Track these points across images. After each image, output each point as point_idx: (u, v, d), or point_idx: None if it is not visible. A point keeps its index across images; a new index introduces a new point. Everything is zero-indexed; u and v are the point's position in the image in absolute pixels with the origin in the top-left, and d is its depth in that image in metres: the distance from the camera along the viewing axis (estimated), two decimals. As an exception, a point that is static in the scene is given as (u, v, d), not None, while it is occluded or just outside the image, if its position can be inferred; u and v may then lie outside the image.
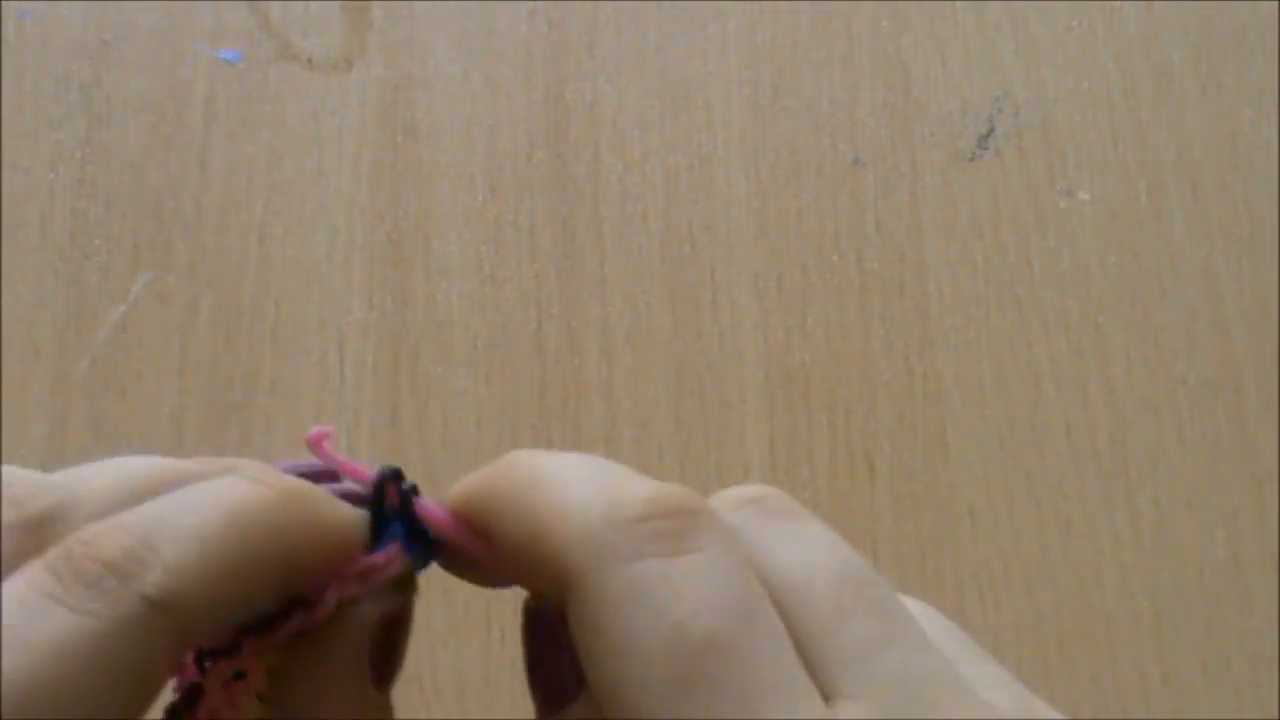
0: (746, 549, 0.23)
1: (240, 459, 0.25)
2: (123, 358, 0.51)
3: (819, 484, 0.50)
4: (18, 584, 0.20)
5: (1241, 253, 0.55)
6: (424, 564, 0.26)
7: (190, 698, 0.24)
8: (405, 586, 0.26)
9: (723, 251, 0.54)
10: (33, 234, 0.53)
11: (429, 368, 0.51)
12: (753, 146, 0.55)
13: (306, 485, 0.24)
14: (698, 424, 0.51)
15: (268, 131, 0.55)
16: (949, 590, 0.49)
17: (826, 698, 0.21)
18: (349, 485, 0.25)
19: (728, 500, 0.24)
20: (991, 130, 0.56)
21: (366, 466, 0.26)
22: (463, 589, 0.26)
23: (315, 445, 0.25)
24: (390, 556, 0.25)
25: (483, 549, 0.25)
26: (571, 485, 0.23)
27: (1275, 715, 0.47)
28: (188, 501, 0.22)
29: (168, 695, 0.23)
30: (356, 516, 0.25)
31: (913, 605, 0.23)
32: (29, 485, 0.22)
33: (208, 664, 0.24)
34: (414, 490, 0.25)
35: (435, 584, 0.26)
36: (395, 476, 0.25)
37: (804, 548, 0.23)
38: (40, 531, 0.22)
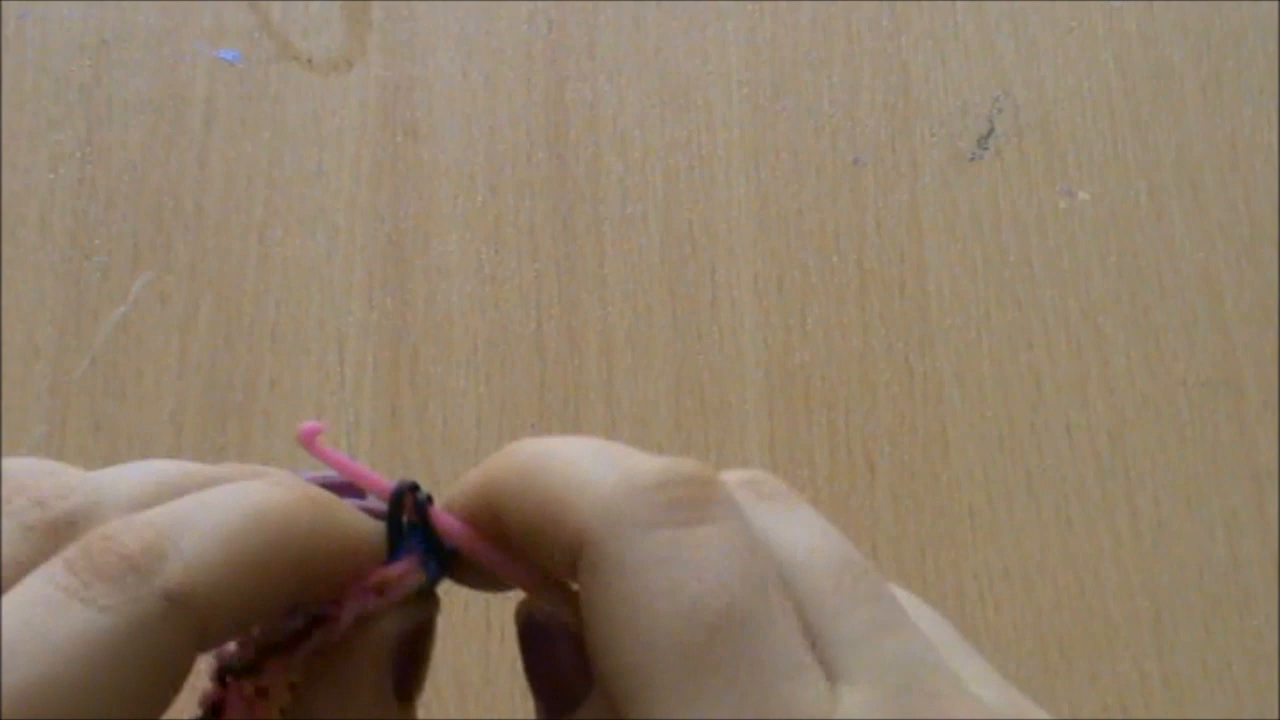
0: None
1: (267, 467, 0.25)
2: (123, 358, 0.51)
3: (819, 484, 0.50)
4: (38, 581, 0.20)
5: (1241, 253, 0.55)
6: (440, 577, 0.26)
7: (213, 715, 0.24)
8: (425, 600, 0.26)
9: (723, 251, 0.54)
10: (33, 234, 0.53)
11: (429, 368, 0.51)
12: (753, 146, 0.55)
13: (328, 494, 0.24)
14: (698, 424, 0.51)
15: (268, 131, 0.55)
16: (949, 590, 0.49)
17: (827, 678, 0.21)
18: (371, 501, 0.25)
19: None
20: (991, 130, 0.56)
21: (365, 465, 0.26)
22: (463, 589, 0.26)
23: (308, 441, 0.25)
24: (408, 568, 0.25)
25: (496, 557, 0.25)
26: (581, 459, 0.23)
27: (1275, 715, 0.47)
28: (211, 500, 0.22)
29: (191, 708, 0.23)
30: (374, 527, 0.25)
31: (901, 596, 0.24)
32: (57, 486, 0.22)
33: (230, 681, 0.24)
34: (429, 501, 0.25)
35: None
36: (412, 488, 0.25)
37: (802, 530, 0.23)
38: (68, 531, 0.22)
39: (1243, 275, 0.54)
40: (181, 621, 0.21)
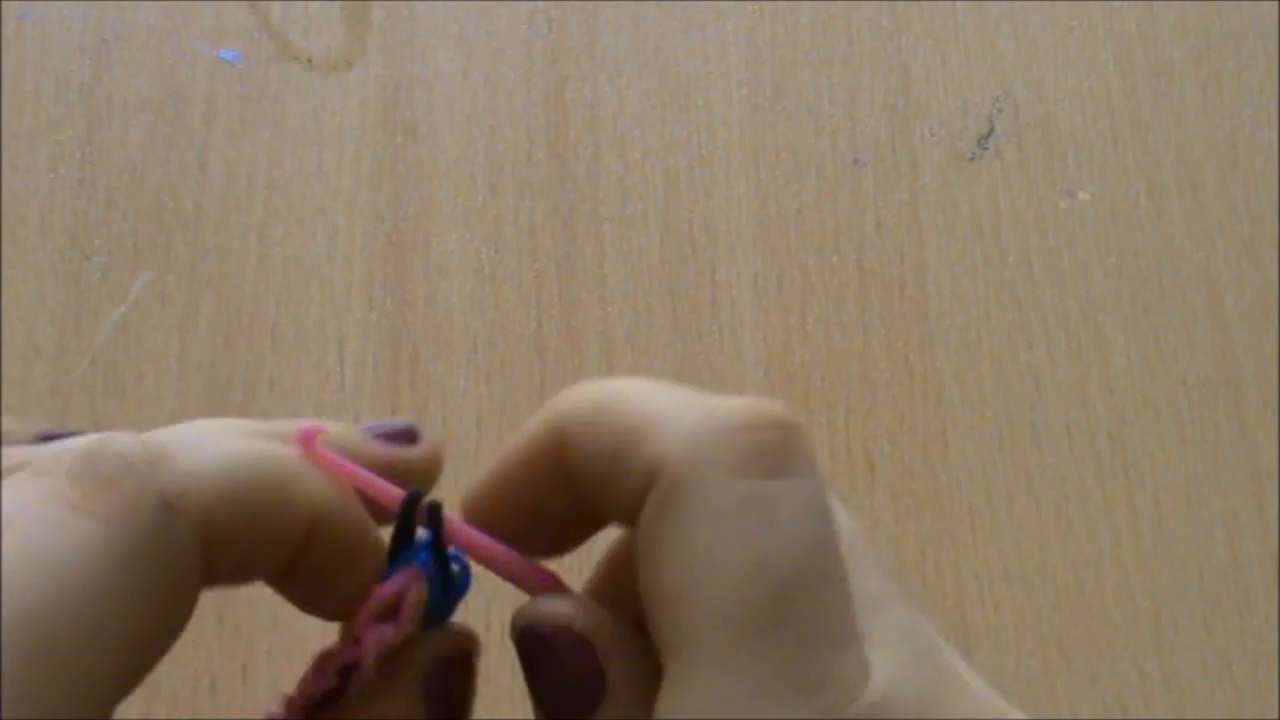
0: None
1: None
2: (123, 358, 0.51)
3: (819, 484, 0.50)
4: (45, 497, 0.20)
5: (1241, 253, 0.55)
6: (460, 591, 0.25)
7: None
8: (454, 633, 0.25)
9: (723, 251, 0.54)
10: (33, 234, 0.53)
11: (429, 368, 0.51)
12: (753, 146, 0.55)
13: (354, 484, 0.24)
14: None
15: (268, 131, 0.55)
16: (949, 590, 0.49)
17: None
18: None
19: None
20: (991, 130, 0.56)
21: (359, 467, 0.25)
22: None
23: (307, 443, 0.24)
24: (409, 579, 0.24)
25: (509, 561, 0.24)
26: (659, 393, 0.22)
27: (1275, 715, 0.47)
28: (219, 426, 0.22)
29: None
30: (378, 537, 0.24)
31: None
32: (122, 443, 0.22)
33: None
34: (440, 508, 0.24)
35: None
36: (430, 506, 0.24)
37: None
38: None
39: (1243, 275, 0.54)
40: (180, 527, 0.21)
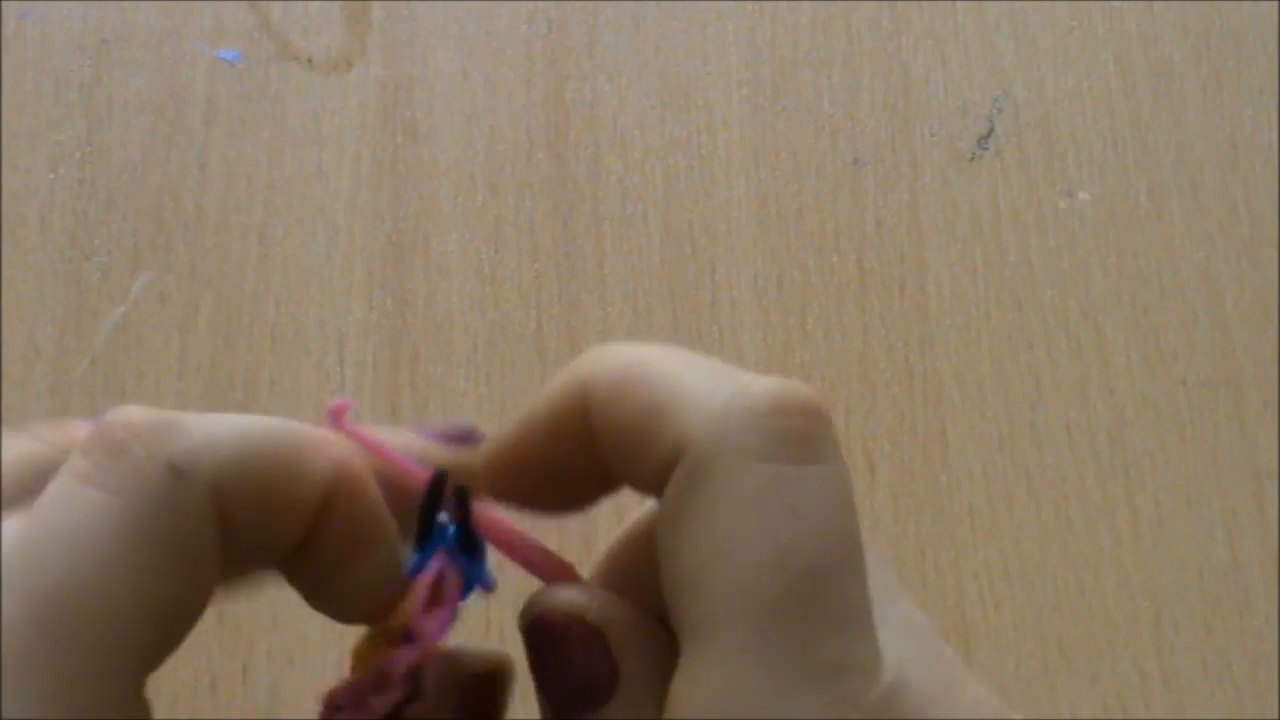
0: None
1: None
2: (123, 358, 0.51)
3: (819, 484, 0.50)
4: (62, 476, 0.20)
5: (1241, 253, 0.55)
6: (485, 582, 0.24)
7: None
8: (489, 654, 0.24)
9: (723, 251, 0.54)
10: (33, 234, 0.53)
11: (429, 368, 0.51)
12: (753, 146, 0.55)
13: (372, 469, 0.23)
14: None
15: (268, 131, 0.55)
16: (949, 590, 0.49)
17: None
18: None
19: None
20: (991, 130, 0.56)
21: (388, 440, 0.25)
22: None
23: (336, 418, 0.24)
24: (442, 564, 0.23)
25: (529, 550, 0.24)
26: (687, 368, 0.22)
27: (1275, 715, 0.47)
28: (236, 415, 0.22)
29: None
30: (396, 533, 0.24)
31: None
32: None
33: None
34: (468, 492, 0.24)
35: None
36: (458, 491, 0.24)
37: None
38: None
39: (1243, 275, 0.54)
40: (191, 493, 0.20)
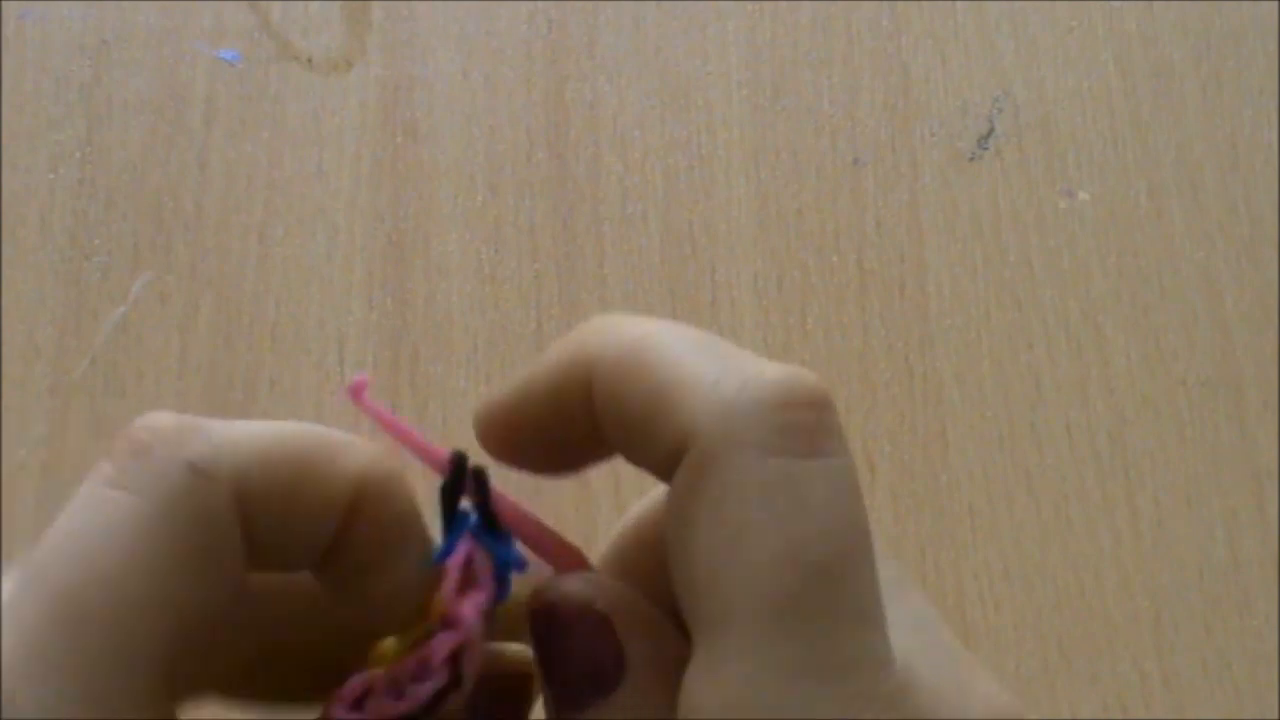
0: None
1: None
2: (123, 358, 0.51)
3: (819, 484, 0.50)
4: (87, 482, 0.21)
5: (1241, 253, 0.55)
6: (514, 561, 0.24)
7: None
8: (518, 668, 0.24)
9: (723, 251, 0.54)
10: (33, 234, 0.53)
11: (429, 368, 0.51)
12: (753, 146, 0.55)
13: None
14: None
15: (268, 131, 0.55)
16: (949, 590, 0.49)
17: None
18: None
19: None
20: (991, 130, 0.56)
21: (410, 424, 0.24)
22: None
23: (356, 395, 0.24)
24: (472, 549, 0.23)
25: (545, 539, 0.24)
26: (692, 353, 0.22)
27: (1275, 715, 0.47)
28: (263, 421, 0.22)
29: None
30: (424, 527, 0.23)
31: None
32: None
33: None
34: (486, 474, 0.23)
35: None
36: (475, 472, 0.23)
37: None
38: None
39: (1243, 275, 0.54)
40: (213, 492, 0.21)
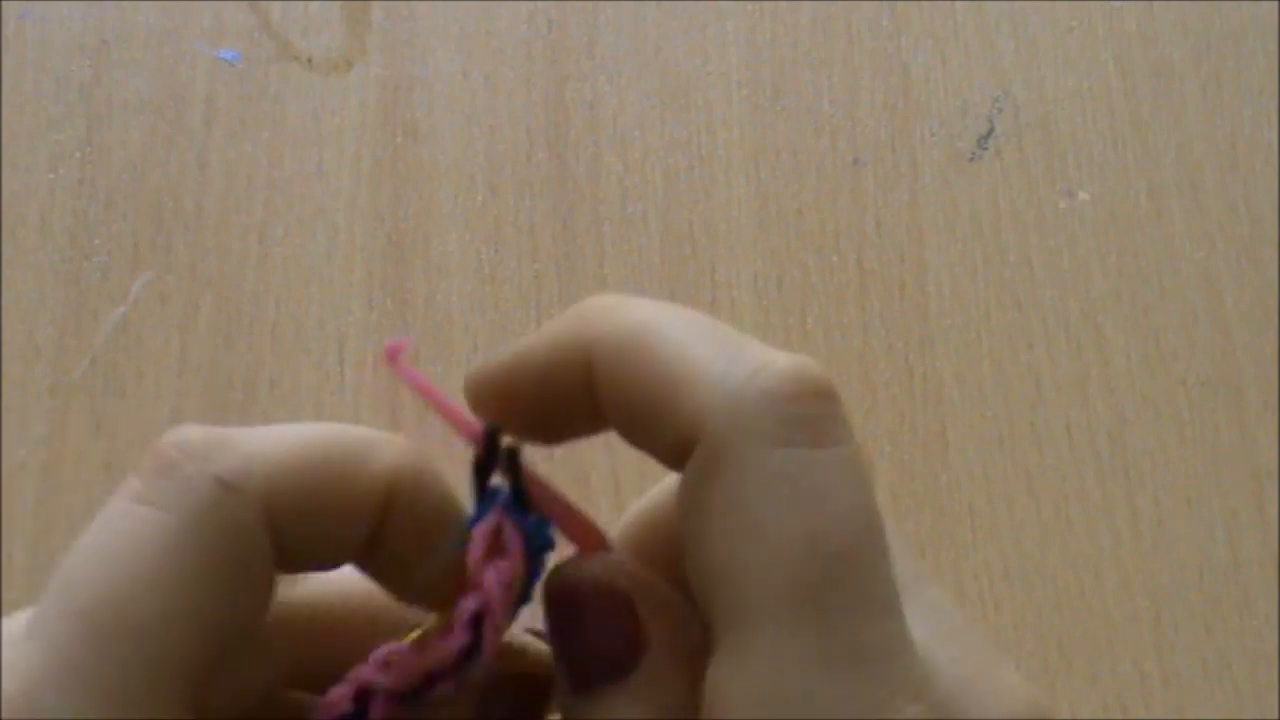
0: None
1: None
2: (123, 358, 0.51)
3: (819, 484, 0.50)
4: (115, 498, 0.21)
5: (1241, 253, 0.55)
6: (543, 537, 0.24)
7: None
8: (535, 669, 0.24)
9: (723, 251, 0.54)
10: (33, 234, 0.53)
11: (429, 368, 0.51)
12: (753, 146, 0.55)
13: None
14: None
15: (268, 131, 0.55)
16: (949, 590, 0.49)
17: None
18: None
19: None
20: (991, 130, 0.56)
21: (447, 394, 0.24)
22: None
23: (392, 357, 0.24)
24: (500, 519, 0.23)
25: (570, 516, 0.24)
26: (698, 342, 0.22)
27: (1275, 715, 0.47)
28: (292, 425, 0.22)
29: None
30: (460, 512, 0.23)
31: None
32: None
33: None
34: (519, 453, 0.23)
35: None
36: (509, 452, 0.23)
37: None
38: None
39: (1243, 275, 0.54)
40: (239, 505, 0.21)
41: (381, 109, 0.55)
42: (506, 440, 0.24)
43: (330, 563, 0.23)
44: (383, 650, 0.23)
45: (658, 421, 0.22)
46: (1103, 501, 0.50)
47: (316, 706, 0.23)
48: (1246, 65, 0.58)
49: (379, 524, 0.22)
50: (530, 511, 0.24)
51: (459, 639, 0.22)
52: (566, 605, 0.23)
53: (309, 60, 0.56)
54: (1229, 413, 0.52)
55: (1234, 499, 0.51)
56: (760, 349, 0.22)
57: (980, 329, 0.53)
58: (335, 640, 0.24)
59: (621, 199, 0.54)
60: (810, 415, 0.21)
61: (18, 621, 0.21)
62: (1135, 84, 0.57)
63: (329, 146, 0.55)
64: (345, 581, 0.24)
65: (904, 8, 0.58)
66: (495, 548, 0.23)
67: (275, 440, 0.21)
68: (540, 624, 0.24)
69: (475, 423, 0.24)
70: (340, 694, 0.22)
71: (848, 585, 0.20)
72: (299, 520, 0.21)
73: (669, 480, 0.25)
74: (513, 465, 0.24)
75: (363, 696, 0.22)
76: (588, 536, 0.24)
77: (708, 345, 0.22)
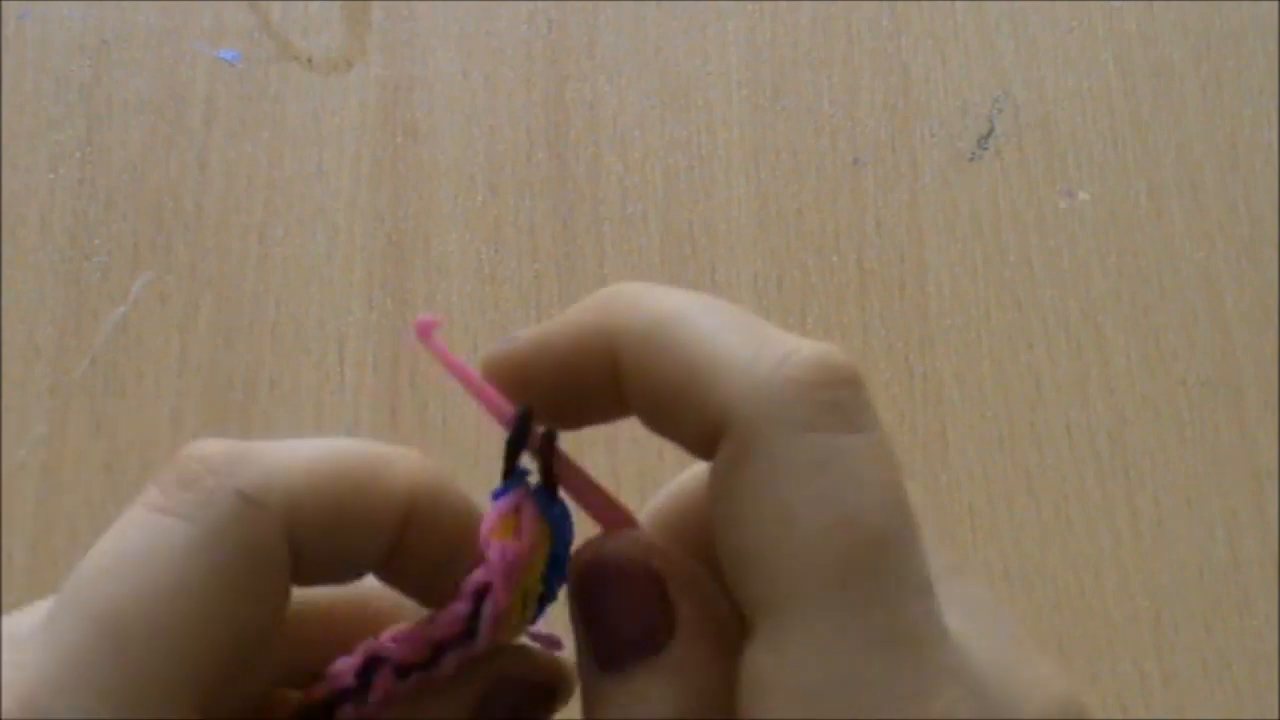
0: None
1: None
2: (123, 358, 0.51)
3: (819, 484, 0.50)
4: (135, 507, 0.21)
5: (1241, 253, 0.55)
6: (563, 524, 0.24)
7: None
8: (550, 669, 0.24)
9: (723, 251, 0.54)
10: (33, 234, 0.53)
11: (429, 368, 0.51)
12: (753, 146, 0.55)
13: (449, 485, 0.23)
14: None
15: (268, 131, 0.55)
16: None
17: None
18: None
19: None
20: (991, 130, 0.56)
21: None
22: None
23: (424, 334, 0.24)
24: (520, 496, 0.23)
25: (599, 499, 0.24)
26: (720, 330, 0.22)
27: (1275, 715, 0.47)
28: (313, 439, 0.22)
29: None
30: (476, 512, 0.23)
31: None
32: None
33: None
34: (554, 437, 0.23)
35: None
36: (545, 436, 0.23)
37: None
38: None
39: (1243, 275, 0.54)
40: (259, 519, 0.21)
41: (381, 109, 0.55)
42: (543, 428, 0.24)
43: (349, 576, 0.23)
44: (391, 630, 0.23)
45: (684, 410, 0.22)
46: (1103, 501, 0.50)
47: (323, 678, 0.23)
48: (1246, 65, 0.58)
49: (398, 537, 0.22)
50: (556, 502, 0.24)
51: (463, 608, 0.22)
52: (596, 581, 0.23)
53: (309, 60, 0.56)
54: (1229, 413, 0.52)
55: (1234, 499, 0.51)
56: (786, 336, 0.22)
57: (980, 329, 0.53)
58: (335, 640, 0.24)
59: (621, 199, 0.54)
60: (839, 401, 0.21)
61: (17, 621, 0.21)
62: (1135, 84, 0.57)
63: (329, 146, 0.55)
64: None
65: (904, 8, 0.58)
66: (512, 527, 0.23)
67: (296, 455, 0.22)
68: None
69: (507, 404, 0.24)
70: (347, 665, 0.23)
71: (884, 567, 0.20)
72: (319, 535, 0.21)
73: (693, 469, 0.25)
74: (546, 448, 0.24)
75: (369, 669, 0.22)
76: (617, 520, 0.24)
77: (734, 333, 0.22)
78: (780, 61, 0.57)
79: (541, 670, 0.25)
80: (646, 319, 0.22)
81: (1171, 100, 0.57)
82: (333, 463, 0.22)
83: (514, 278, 0.53)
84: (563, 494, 0.24)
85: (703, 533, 0.22)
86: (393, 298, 0.52)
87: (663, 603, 0.22)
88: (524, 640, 0.25)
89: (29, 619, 0.21)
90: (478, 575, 0.23)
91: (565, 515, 0.24)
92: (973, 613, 0.22)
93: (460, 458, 0.50)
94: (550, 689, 0.25)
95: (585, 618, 0.23)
